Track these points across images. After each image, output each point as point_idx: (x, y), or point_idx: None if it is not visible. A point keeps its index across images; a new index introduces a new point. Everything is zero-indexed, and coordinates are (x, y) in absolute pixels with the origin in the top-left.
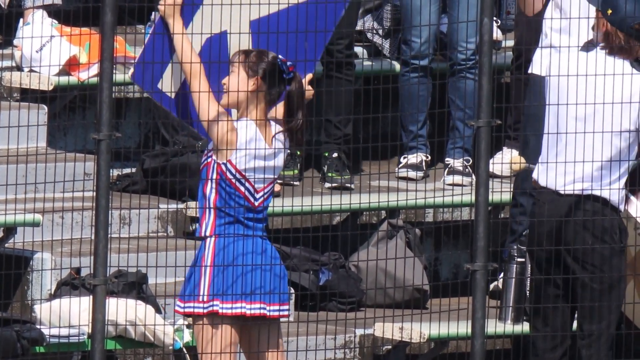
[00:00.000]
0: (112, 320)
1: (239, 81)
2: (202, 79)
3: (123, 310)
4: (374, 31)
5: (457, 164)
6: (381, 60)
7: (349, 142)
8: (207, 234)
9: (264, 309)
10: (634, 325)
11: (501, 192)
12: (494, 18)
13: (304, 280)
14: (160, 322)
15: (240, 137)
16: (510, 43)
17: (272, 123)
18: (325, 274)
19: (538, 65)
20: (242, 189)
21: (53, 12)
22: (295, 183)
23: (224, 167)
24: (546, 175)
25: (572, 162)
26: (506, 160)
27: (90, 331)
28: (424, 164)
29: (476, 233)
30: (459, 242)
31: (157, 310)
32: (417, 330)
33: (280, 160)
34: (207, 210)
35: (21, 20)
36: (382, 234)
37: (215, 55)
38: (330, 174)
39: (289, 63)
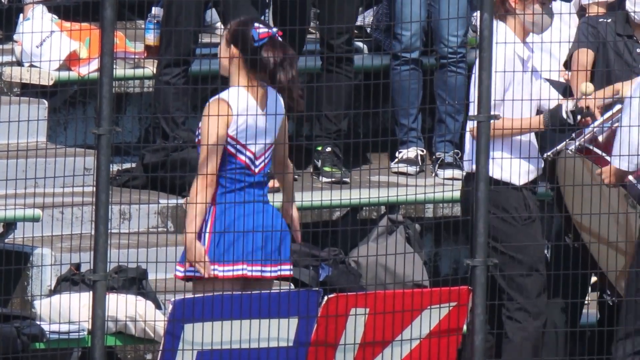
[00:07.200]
0: (112, 316)
1: (221, 51)
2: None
3: (123, 306)
4: (374, 27)
5: (448, 157)
6: (381, 55)
7: (342, 137)
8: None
9: (265, 271)
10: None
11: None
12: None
13: (303, 276)
14: (161, 318)
15: (233, 108)
16: None
17: (267, 87)
18: (325, 270)
19: None
20: (243, 157)
21: (53, 7)
22: (346, 180)
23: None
24: None
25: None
26: None
27: (90, 327)
28: (419, 158)
29: (476, 229)
30: (459, 237)
31: (157, 306)
32: None
33: (277, 124)
34: None
35: (21, 15)
36: (381, 230)
37: None
38: (325, 168)
39: (262, 30)
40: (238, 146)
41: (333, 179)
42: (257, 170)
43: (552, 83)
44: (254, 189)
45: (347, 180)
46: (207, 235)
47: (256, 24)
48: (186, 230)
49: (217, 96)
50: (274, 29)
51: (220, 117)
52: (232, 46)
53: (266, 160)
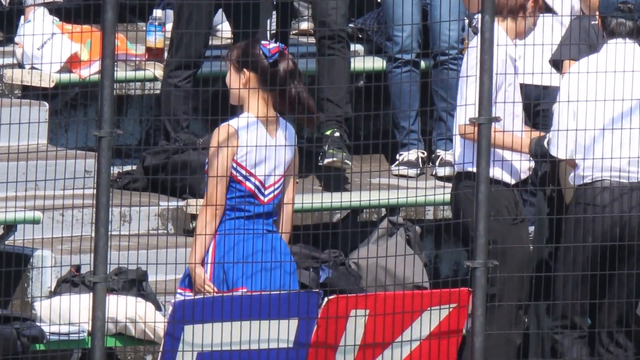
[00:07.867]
0: (112, 318)
1: (231, 79)
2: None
3: (123, 308)
4: (375, 29)
5: (448, 155)
6: (383, 58)
7: (349, 121)
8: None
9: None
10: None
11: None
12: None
13: (304, 278)
14: (161, 320)
15: (241, 136)
16: None
17: (279, 117)
18: (325, 272)
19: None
20: (250, 185)
21: (54, 9)
22: (347, 162)
23: (232, 170)
24: None
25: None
26: None
27: (90, 329)
28: (419, 160)
29: (476, 230)
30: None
31: (157, 307)
32: None
33: (288, 155)
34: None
35: (22, 17)
36: (382, 232)
37: None
38: (329, 150)
39: (272, 45)
40: (245, 173)
41: (334, 159)
42: (265, 199)
43: (548, 88)
44: (260, 219)
45: (348, 162)
46: (208, 266)
47: (263, 42)
48: (189, 260)
49: (225, 123)
50: (281, 44)
51: (227, 144)
52: (244, 70)
53: (276, 191)
